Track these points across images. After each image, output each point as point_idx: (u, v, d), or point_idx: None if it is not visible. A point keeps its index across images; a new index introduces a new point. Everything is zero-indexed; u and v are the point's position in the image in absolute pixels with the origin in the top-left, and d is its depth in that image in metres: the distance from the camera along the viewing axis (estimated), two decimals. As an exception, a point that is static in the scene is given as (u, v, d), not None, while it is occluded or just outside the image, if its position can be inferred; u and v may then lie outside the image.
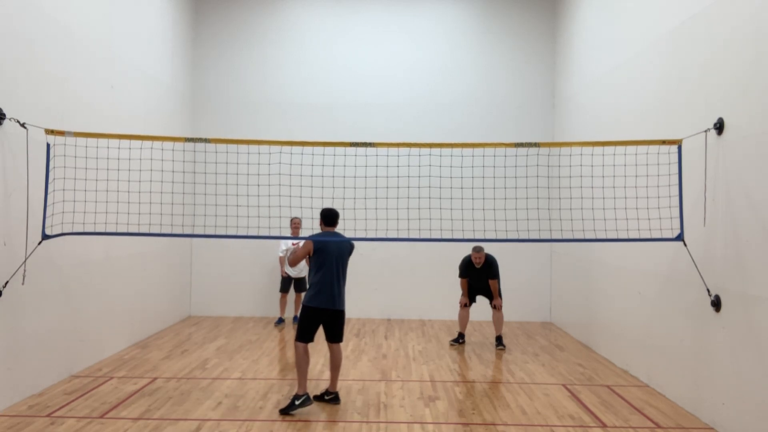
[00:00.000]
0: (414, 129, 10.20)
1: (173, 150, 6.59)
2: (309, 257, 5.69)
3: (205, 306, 10.46)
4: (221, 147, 7.55)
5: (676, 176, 5.61)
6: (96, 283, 6.96)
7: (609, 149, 6.73)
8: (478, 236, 6.63)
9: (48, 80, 5.97)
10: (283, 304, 9.64)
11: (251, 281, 10.44)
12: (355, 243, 5.91)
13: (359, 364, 7.21)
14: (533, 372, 6.95)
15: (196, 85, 10.49)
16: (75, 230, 5.85)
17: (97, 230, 6.03)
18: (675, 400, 5.87)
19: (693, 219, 5.54)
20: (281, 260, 9.35)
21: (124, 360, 7.14)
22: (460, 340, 8.40)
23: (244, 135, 9.74)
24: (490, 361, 7.48)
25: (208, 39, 10.55)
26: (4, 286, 5.16)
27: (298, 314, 7.81)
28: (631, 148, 6.32)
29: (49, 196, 5.60)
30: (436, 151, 8.44)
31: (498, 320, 8.23)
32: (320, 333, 5.77)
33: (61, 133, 5.59)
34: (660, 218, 5.94)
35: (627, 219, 6.17)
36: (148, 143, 6.45)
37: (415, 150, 6.40)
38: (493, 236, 6.31)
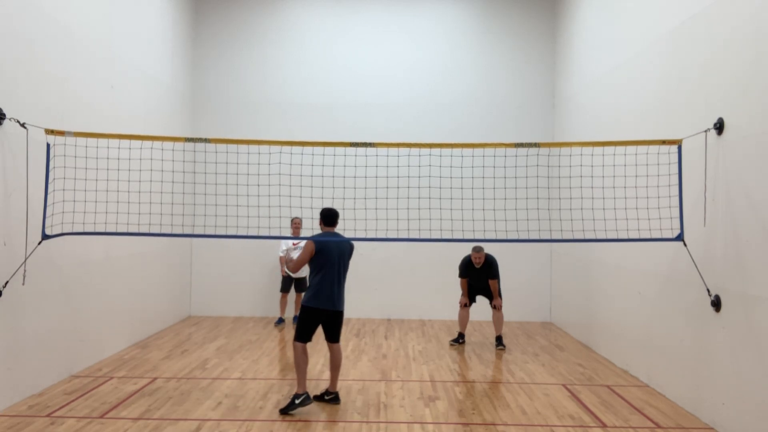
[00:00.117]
0: (414, 129, 10.20)
1: (173, 150, 6.59)
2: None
3: (205, 306, 10.46)
4: (221, 147, 7.55)
5: (676, 176, 5.61)
6: (96, 283, 6.96)
7: (609, 149, 6.73)
8: (478, 236, 6.63)
9: (48, 80, 5.97)
10: (283, 304, 9.64)
11: (251, 281, 10.44)
12: (356, 243, 5.91)
13: (359, 364, 7.21)
14: (533, 372, 6.95)
15: (196, 85, 10.49)
16: (75, 230, 5.85)
17: (97, 230, 6.03)
18: (675, 400, 5.87)
19: (693, 219, 5.54)
20: (282, 260, 9.35)
21: (124, 360, 7.14)
22: (460, 340, 8.40)
23: (244, 135, 9.75)
24: (490, 361, 7.48)
25: (208, 39, 10.55)
26: (4, 286, 5.16)
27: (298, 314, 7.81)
28: (631, 148, 6.32)
29: (49, 196, 5.60)
30: (436, 151, 8.45)
31: (498, 320, 8.23)
32: (319, 333, 5.77)
33: (61, 133, 5.59)
34: (660, 218, 5.94)
35: (627, 219, 6.17)
36: (148, 143, 6.44)
37: (415, 150, 6.40)
38: (493, 236, 6.31)
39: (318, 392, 5.82)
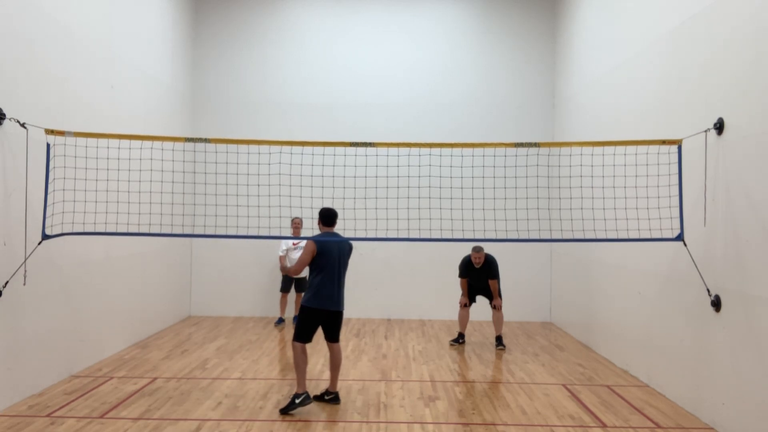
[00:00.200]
0: (414, 129, 10.20)
1: (173, 150, 6.59)
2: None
3: (205, 306, 10.46)
4: (221, 147, 7.55)
5: (676, 176, 5.61)
6: (96, 283, 6.96)
7: (609, 149, 6.73)
8: (478, 236, 6.62)
9: (48, 80, 5.97)
10: (283, 303, 9.64)
11: (251, 281, 10.44)
12: (355, 243, 5.91)
13: (359, 364, 7.21)
14: (533, 372, 6.95)
15: (196, 85, 10.49)
16: (75, 230, 5.85)
17: (97, 230, 6.03)
18: (675, 400, 5.87)
19: (693, 219, 5.54)
20: (281, 259, 9.34)
21: (124, 360, 7.14)
22: (460, 340, 8.40)
23: (244, 135, 9.74)
24: (490, 361, 7.48)
25: (208, 39, 10.55)
26: (4, 286, 5.16)
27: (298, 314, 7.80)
28: (631, 148, 6.32)
29: (49, 196, 5.60)
30: (436, 151, 8.45)
31: (498, 320, 8.23)
32: (319, 333, 5.77)
33: (61, 133, 5.59)
34: (660, 218, 5.94)
35: (627, 219, 6.17)
36: (148, 143, 6.45)
37: (415, 150, 6.40)
38: (493, 236, 6.31)
39: (318, 392, 5.82)
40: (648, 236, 6.03)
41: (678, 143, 5.58)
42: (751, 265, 4.75)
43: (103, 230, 6.09)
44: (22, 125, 5.32)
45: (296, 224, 9.25)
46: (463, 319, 8.40)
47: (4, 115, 5.19)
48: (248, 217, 7.19)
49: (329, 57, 10.57)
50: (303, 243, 8.89)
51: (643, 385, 6.43)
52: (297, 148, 6.60)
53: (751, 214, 4.76)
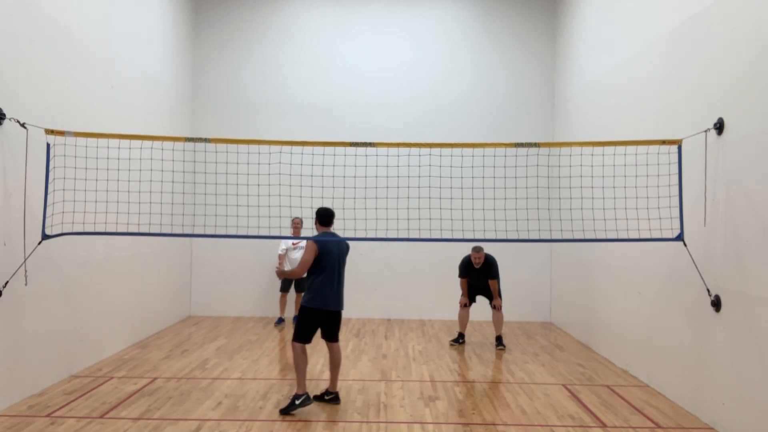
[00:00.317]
0: (414, 129, 10.20)
1: (173, 150, 6.59)
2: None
3: (205, 306, 10.46)
4: (221, 147, 7.55)
5: (676, 176, 5.61)
6: (96, 283, 6.96)
7: (609, 149, 6.73)
8: (478, 236, 6.63)
9: (48, 80, 5.97)
10: (283, 303, 9.64)
11: (251, 281, 10.44)
12: (355, 243, 5.92)
13: (359, 364, 7.21)
14: (533, 372, 6.95)
15: (196, 85, 10.49)
16: (75, 230, 5.85)
17: (97, 230, 6.03)
18: (675, 400, 5.87)
19: (693, 219, 5.54)
20: (281, 258, 9.34)
21: (124, 360, 7.14)
22: (460, 340, 8.40)
23: (244, 135, 9.75)
24: (490, 361, 7.48)
25: (208, 39, 10.55)
26: (4, 286, 5.16)
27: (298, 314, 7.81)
28: (631, 148, 6.32)
29: (49, 196, 5.61)
30: (436, 151, 8.45)
31: (498, 320, 8.23)
32: (319, 333, 5.76)
33: (61, 133, 5.59)
34: (660, 218, 5.94)
35: (627, 219, 6.17)
36: (148, 143, 6.45)
37: (415, 150, 6.40)
38: (493, 236, 6.31)
39: (318, 392, 5.82)
40: (648, 236, 6.03)
41: (678, 143, 5.58)
42: (751, 265, 4.75)
43: (103, 230, 6.09)
44: (22, 125, 5.32)
45: (296, 224, 9.25)
46: (463, 319, 8.40)
47: (4, 115, 5.19)
48: (248, 217, 7.19)
49: (329, 57, 10.57)
50: (303, 243, 8.89)
51: (643, 385, 6.43)
52: (297, 148, 6.60)
53: (751, 214, 4.76)
